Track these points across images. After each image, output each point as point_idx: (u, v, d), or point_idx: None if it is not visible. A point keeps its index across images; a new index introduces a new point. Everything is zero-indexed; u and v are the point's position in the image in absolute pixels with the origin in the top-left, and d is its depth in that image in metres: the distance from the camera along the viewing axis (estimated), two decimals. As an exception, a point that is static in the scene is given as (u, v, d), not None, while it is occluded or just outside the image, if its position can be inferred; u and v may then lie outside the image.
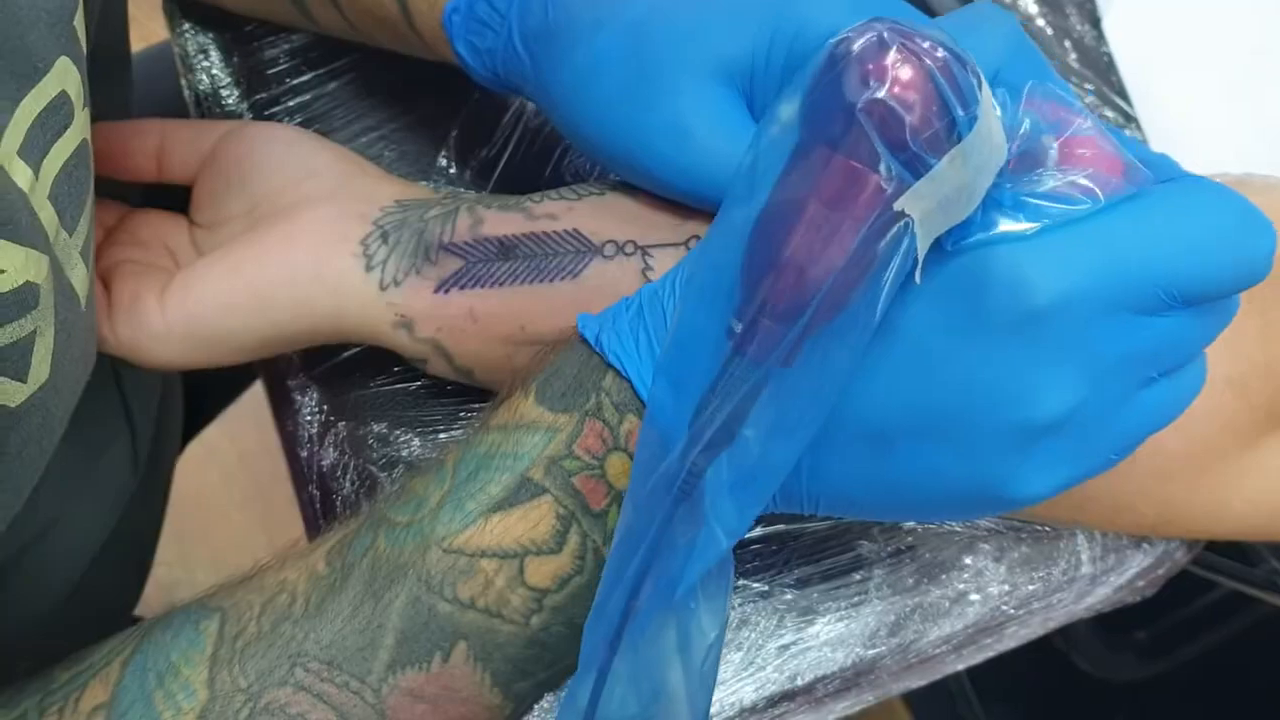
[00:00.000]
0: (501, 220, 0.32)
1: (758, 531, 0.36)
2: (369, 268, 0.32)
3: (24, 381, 0.24)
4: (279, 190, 0.34)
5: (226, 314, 0.32)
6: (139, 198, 0.39)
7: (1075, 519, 0.36)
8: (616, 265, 0.30)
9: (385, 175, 0.36)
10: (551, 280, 0.31)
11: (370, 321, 0.32)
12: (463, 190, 0.40)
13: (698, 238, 0.30)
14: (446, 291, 0.31)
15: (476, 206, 0.32)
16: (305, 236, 0.32)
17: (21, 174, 0.24)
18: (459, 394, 0.37)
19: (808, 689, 0.35)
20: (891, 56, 0.20)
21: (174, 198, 0.37)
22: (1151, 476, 0.29)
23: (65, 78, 0.25)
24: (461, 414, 0.37)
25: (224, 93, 0.42)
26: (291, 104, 0.42)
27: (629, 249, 0.30)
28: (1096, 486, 0.30)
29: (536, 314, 0.31)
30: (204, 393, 0.62)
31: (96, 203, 0.37)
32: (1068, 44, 0.46)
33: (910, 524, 0.36)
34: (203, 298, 0.32)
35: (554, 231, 0.31)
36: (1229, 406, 0.28)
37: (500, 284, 0.31)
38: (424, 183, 0.41)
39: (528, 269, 0.31)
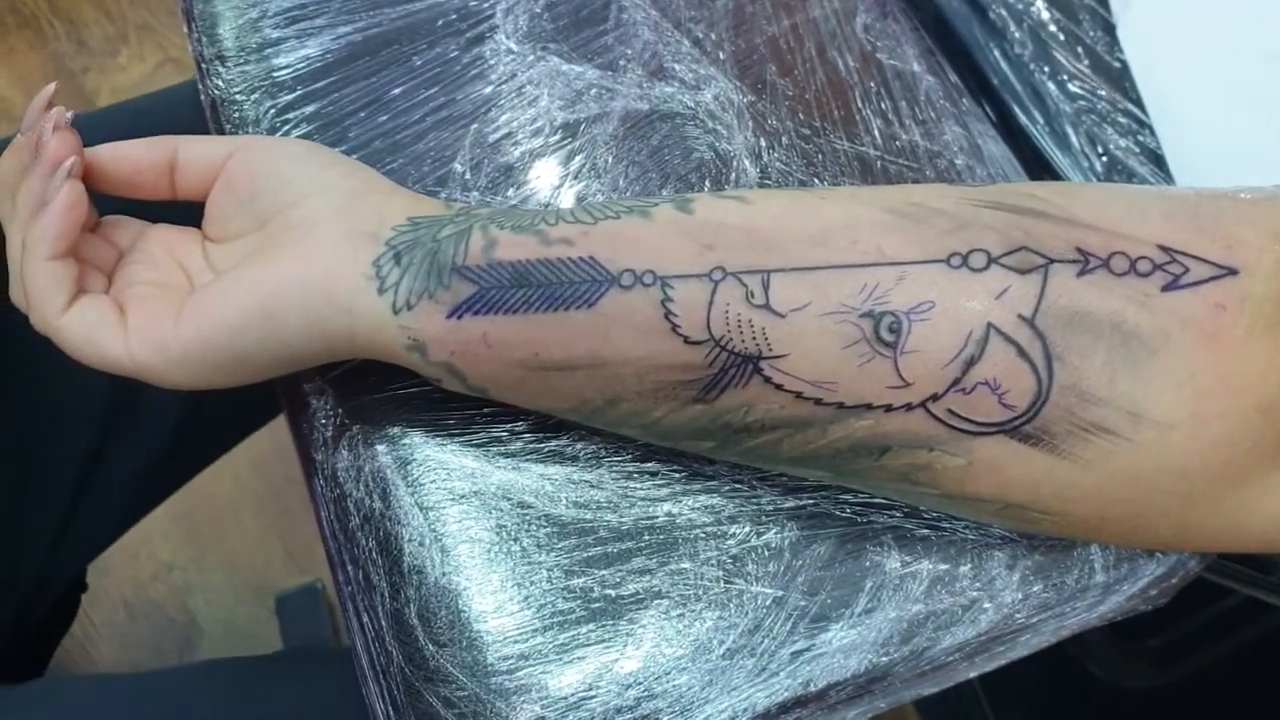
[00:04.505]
0: (515, 244, 0.31)
1: (772, 535, 0.36)
2: (381, 290, 0.32)
3: None
4: (290, 205, 0.34)
5: (240, 336, 0.32)
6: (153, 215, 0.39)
7: (1091, 538, 0.36)
8: (635, 295, 0.30)
9: (395, 188, 0.36)
10: (566, 309, 0.30)
11: (383, 343, 0.33)
12: (475, 205, 0.40)
13: (722, 269, 0.30)
14: (460, 317, 0.31)
15: (490, 226, 0.32)
16: (318, 257, 0.32)
17: None
18: (474, 398, 0.37)
19: (820, 695, 0.35)
20: None
21: (187, 213, 0.37)
22: (1174, 499, 0.29)
23: None
24: (476, 418, 0.37)
25: (239, 98, 0.42)
26: (307, 110, 0.42)
27: (647, 279, 0.30)
28: (1116, 508, 0.29)
29: (551, 341, 0.31)
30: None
31: (112, 222, 0.38)
32: (1080, 50, 0.46)
33: (924, 531, 0.36)
34: (218, 320, 0.33)
35: (569, 258, 0.30)
36: (1257, 431, 0.28)
37: (514, 311, 0.31)
38: (439, 191, 0.41)
39: (542, 296, 0.30)
